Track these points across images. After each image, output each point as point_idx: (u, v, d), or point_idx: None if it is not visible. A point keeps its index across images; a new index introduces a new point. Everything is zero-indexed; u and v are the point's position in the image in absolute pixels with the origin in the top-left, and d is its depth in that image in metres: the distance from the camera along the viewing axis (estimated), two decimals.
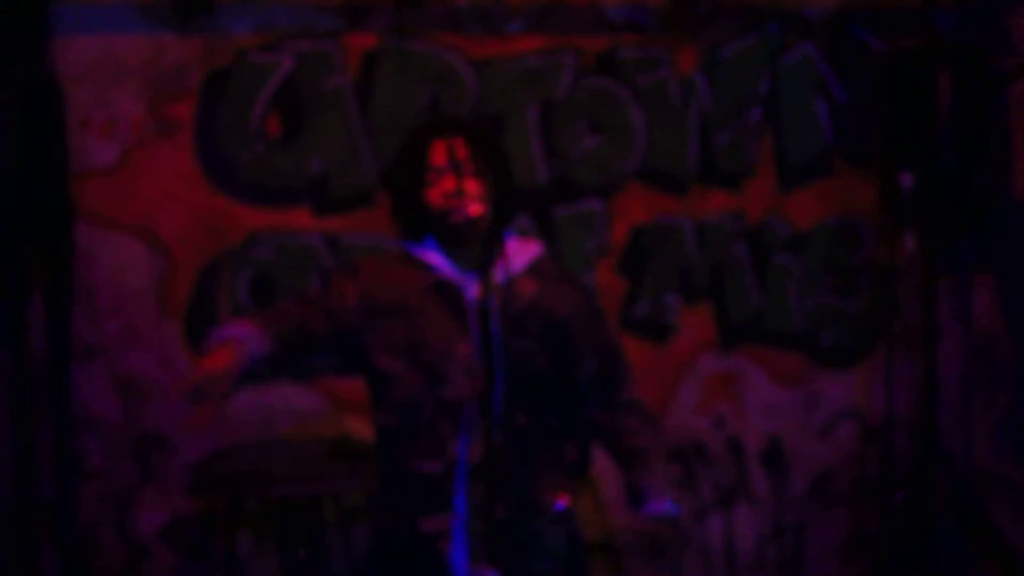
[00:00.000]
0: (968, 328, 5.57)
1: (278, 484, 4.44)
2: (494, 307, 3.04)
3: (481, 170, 3.12)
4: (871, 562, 5.50)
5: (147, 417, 4.89)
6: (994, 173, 5.30)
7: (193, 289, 4.92)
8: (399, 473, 3.12)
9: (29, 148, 4.59)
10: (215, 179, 4.93)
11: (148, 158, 4.88)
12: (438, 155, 3.12)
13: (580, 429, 3.26)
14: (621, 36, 5.24)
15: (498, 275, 3.06)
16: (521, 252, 3.20)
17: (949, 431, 5.50)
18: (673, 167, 5.31)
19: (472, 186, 3.09)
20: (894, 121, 5.17)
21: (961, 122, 5.07)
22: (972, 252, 5.51)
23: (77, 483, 4.87)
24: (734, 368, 5.40)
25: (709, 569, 5.40)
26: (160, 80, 4.88)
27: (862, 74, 5.40)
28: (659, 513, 3.18)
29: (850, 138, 5.44)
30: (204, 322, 4.88)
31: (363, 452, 4.25)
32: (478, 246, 3.10)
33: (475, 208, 3.08)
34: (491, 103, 5.12)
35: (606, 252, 5.26)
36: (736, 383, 5.40)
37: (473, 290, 3.10)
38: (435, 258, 3.15)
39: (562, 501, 3.17)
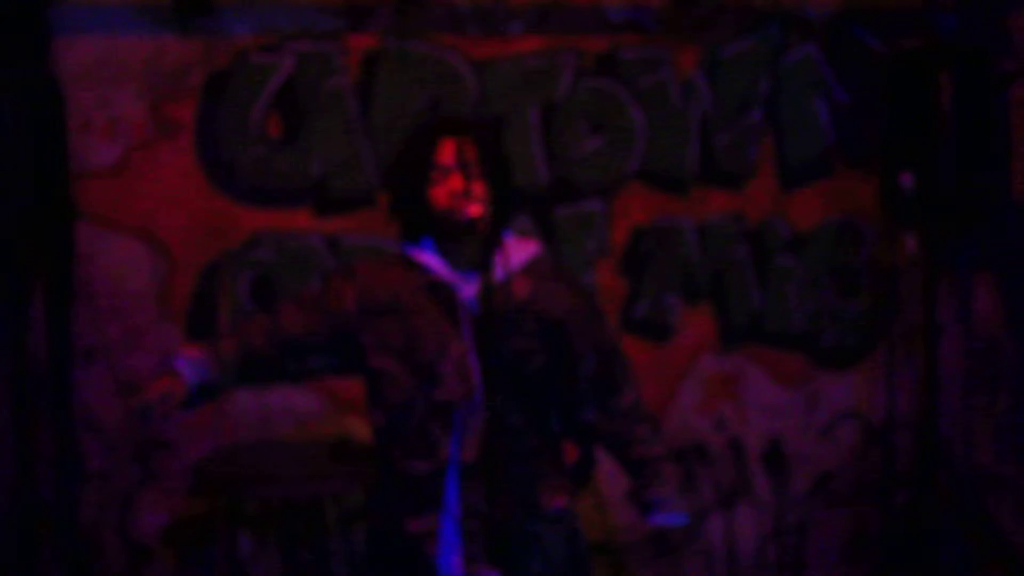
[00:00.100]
0: (969, 328, 5.57)
1: (279, 485, 4.44)
2: (489, 307, 3.04)
3: (486, 172, 3.12)
4: (872, 562, 5.50)
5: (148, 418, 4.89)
6: (994, 173, 5.30)
7: (194, 290, 4.92)
8: (390, 473, 3.13)
9: (30, 149, 4.60)
10: (216, 180, 4.93)
11: (149, 159, 4.89)
12: (446, 153, 3.11)
13: (582, 432, 3.26)
14: (622, 37, 5.24)
15: (495, 275, 3.06)
16: (518, 252, 3.20)
17: (950, 431, 5.50)
18: (674, 168, 5.31)
19: (478, 188, 3.09)
20: (895, 121, 5.16)
21: (962, 122, 5.07)
22: (973, 252, 5.51)
23: (78, 484, 4.87)
24: (735, 368, 5.40)
25: (710, 569, 5.40)
26: (161, 81, 4.88)
27: (863, 74, 5.40)
28: (669, 523, 3.20)
29: (851, 138, 5.44)
30: (205, 323, 4.88)
31: (363, 453, 4.26)
32: (476, 246, 3.11)
33: (479, 209, 3.08)
34: (492, 104, 5.12)
35: (607, 253, 5.26)
36: (737, 383, 5.40)
37: (467, 290, 3.10)
38: (430, 258, 3.15)
39: (560, 501, 3.17)
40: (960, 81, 5.07)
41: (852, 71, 5.42)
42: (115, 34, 4.85)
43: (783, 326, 5.44)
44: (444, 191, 3.09)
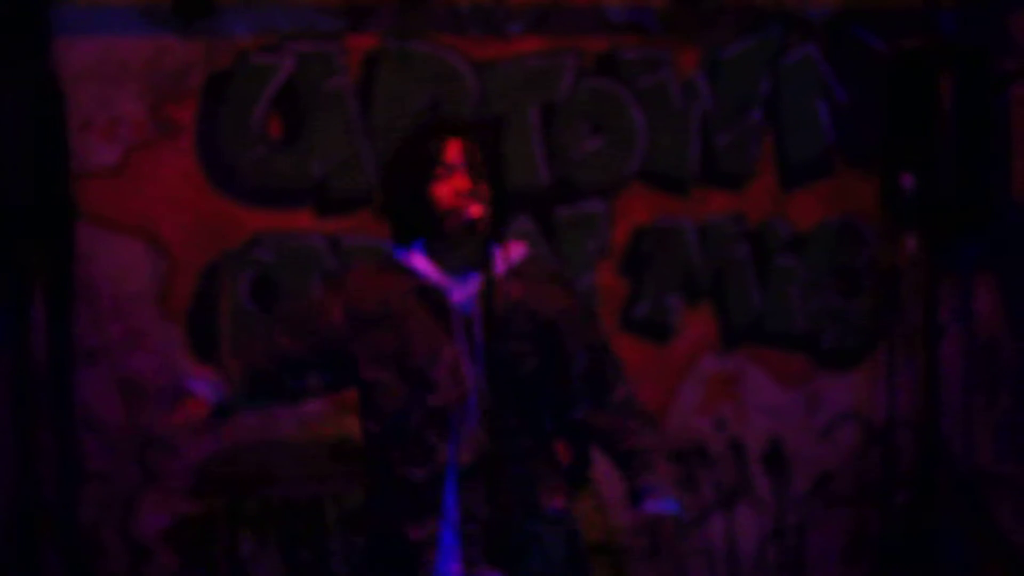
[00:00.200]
0: (970, 328, 5.57)
1: (279, 485, 4.44)
2: (482, 310, 3.04)
3: (488, 173, 3.11)
4: (873, 563, 5.50)
5: (149, 419, 4.89)
6: (995, 173, 5.29)
7: (194, 291, 4.92)
8: (388, 480, 3.11)
9: (30, 149, 4.59)
10: (216, 180, 4.93)
11: (149, 159, 4.89)
12: (452, 152, 3.10)
13: (575, 430, 3.25)
14: (622, 37, 5.23)
15: (493, 277, 3.05)
16: (506, 254, 3.19)
17: (951, 432, 5.50)
18: (674, 168, 5.31)
19: (483, 188, 3.08)
20: (895, 121, 5.16)
21: (962, 123, 5.07)
22: (973, 252, 5.51)
23: (78, 485, 4.87)
24: (735, 369, 5.39)
25: (711, 570, 5.40)
26: (161, 82, 4.88)
27: (863, 75, 5.40)
28: (660, 511, 3.16)
29: (851, 139, 5.43)
30: (205, 324, 4.88)
31: (363, 453, 4.25)
32: (468, 249, 3.09)
33: (480, 210, 3.07)
34: (492, 104, 5.12)
35: (607, 253, 5.26)
36: (737, 384, 5.40)
37: (458, 294, 3.09)
38: (419, 262, 3.13)
39: (558, 502, 3.17)
40: (960, 81, 5.08)
41: (852, 71, 5.42)
42: (116, 34, 4.85)
43: (783, 326, 5.44)
44: (448, 189, 3.08)
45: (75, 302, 4.84)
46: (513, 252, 3.20)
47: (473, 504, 3.04)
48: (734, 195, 5.36)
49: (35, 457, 4.74)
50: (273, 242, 4.97)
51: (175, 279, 4.91)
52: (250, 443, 4.83)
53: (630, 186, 5.27)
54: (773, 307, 5.42)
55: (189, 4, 4.85)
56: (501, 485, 2.96)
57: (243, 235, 4.95)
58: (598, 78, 5.22)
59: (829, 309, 5.46)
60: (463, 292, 3.10)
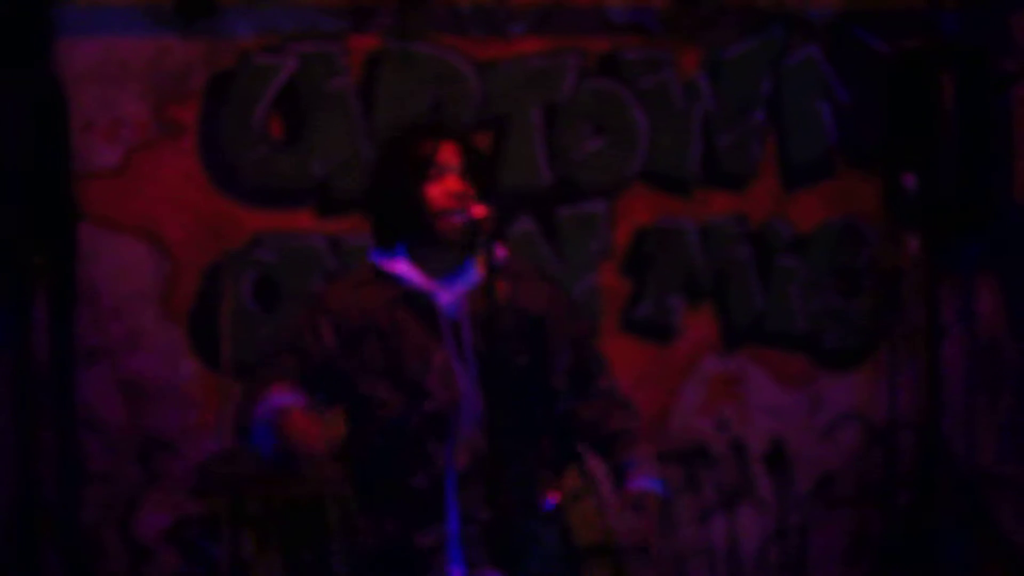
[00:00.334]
0: (971, 329, 5.57)
1: (281, 485, 4.44)
2: (469, 312, 3.03)
3: (479, 177, 3.11)
4: (874, 563, 5.50)
5: (150, 419, 4.89)
6: (997, 174, 5.30)
7: (196, 291, 4.92)
8: (388, 489, 3.10)
9: (32, 149, 4.59)
10: (218, 181, 4.94)
11: (151, 160, 4.89)
12: (448, 154, 3.09)
13: (560, 423, 3.24)
14: (624, 38, 5.24)
15: (487, 279, 3.03)
16: (492, 255, 3.17)
17: (952, 432, 5.49)
18: (676, 169, 5.31)
19: (474, 191, 3.08)
20: (897, 122, 5.17)
21: (964, 123, 5.07)
22: (975, 253, 5.51)
23: (80, 485, 4.87)
24: (737, 369, 5.39)
25: (712, 570, 5.40)
26: (163, 82, 4.88)
27: (865, 75, 5.40)
28: (643, 488, 3.15)
29: (853, 139, 5.43)
30: (207, 324, 4.88)
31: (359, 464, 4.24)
32: (456, 253, 3.08)
33: (483, 210, 3.05)
34: (494, 105, 5.12)
35: (609, 254, 5.26)
36: (739, 384, 5.40)
37: (444, 297, 3.08)
38: (402, 267, 3.10)
39: (552, 498, 3.17)
40: (962, 81, 5.08)
41: (854, 72, 5.42)
42: (118, 35, 4.86)
43: (785, 327, 5.44)
44: (441, 190, 3.07)
45: (77, 302, 4.84)
46: (498, 252, 3.19)
47: (472, 506, 3.04)
48: (736, 196, 5.36)
49: (36, 457, 4.74)
50: (274, 242, 4.98)
51: (177, 279, 4.92)
52: None
53: (632, 187, 5.27)
54: (775, 307, 5.42)
55: (191, 4, 4.85)
56: (499, 485, 2.95)
57: (244, 235, 4.95)
58: (600, 79, 5.22)
59: (830, 309, 5.46)
60: (450, 295, 3.09)
